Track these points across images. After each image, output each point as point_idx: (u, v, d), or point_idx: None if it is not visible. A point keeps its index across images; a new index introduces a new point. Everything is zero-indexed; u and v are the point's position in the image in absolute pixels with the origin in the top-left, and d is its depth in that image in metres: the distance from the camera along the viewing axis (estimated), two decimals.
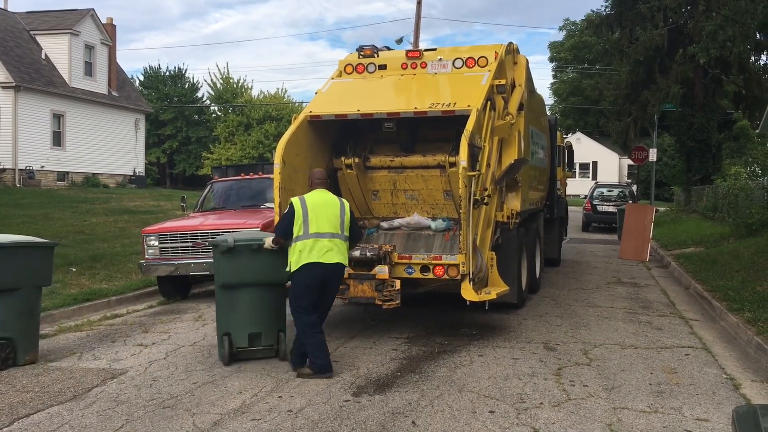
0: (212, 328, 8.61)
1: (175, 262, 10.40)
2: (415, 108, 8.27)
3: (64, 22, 31.05)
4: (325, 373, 6.32)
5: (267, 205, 11.17)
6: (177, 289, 11.04)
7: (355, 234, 6.83)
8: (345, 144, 9.23)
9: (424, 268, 7.53)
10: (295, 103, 49.74)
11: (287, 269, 6.50)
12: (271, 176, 8.25)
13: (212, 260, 10.11)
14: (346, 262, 6.64)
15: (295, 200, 6.53)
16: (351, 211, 6.77)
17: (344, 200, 6.85)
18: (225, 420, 5.27)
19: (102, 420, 5.31)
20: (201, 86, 53.08)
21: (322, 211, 6.47)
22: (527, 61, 10.16)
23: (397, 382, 6.21)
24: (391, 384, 6.14)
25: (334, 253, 6.44)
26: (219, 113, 51.42)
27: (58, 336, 8.34)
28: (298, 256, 6.36)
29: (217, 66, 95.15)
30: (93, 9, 32.03)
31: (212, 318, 9.23)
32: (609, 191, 26.83)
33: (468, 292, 7.29)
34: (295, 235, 6.41)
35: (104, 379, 6.40)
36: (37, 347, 7.14)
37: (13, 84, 26.96)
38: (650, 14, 25.82)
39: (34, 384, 6.28)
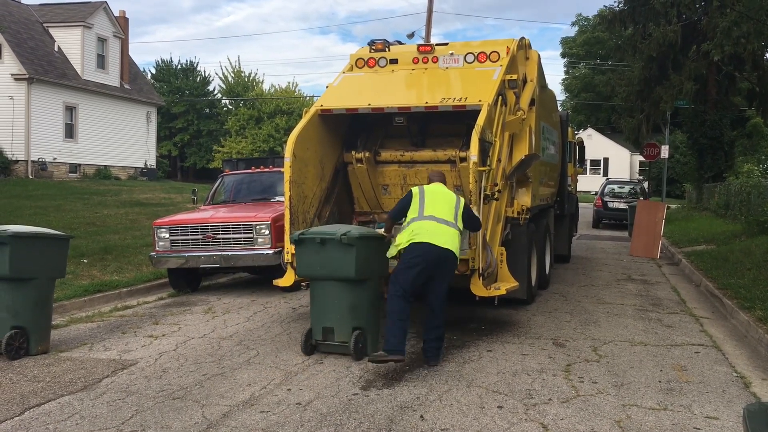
0: (222, 320, 8.66)
1: (186, 255, 10.44)
2: (426, 102, 8.26)
3: (77, 14, 31.18)
4: (396, 355, 6.19)
5: (277, 198, 11.19)
6: (187, 281, 11.08)
7: (473, 224, 6.93)
8: (355, 138, 9.23)
9: None
10: (305, 97, 49.74)
11: (393, 253, 6.59)
12: (282, 170, 8.28)
13: (222, 253, 10.24)
14: (458, 253, 6.63)
15: (415, 188, 6.71)
16: (467, 204, 6.89)
17: (460, 195, 6.95)
18: (234, 412, 5.29)
19: (112, 410, 5.35)
20: (212, 79, 53.34)
21: (439, 198, 6.62)
22: (539, 56, 10.12)
23: (406, 376, 6.21)
24: (400, 378, 6.15)
25: (447, 238, 6.46)
26: (230, 107, 51.49)
27: (69, 327, 8.40)
28: (409, 236, 6.42)
29: (228, 59, 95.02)
30: (106, 1, 32.17)
31: (222, 311, 9.29)
32: (620, 188, 26.71)
33: (477, 288, 7.29)
34: (409, 218, 6.52)
35: (114, 370, 6.44)
36: (49, 337, 7.20)
37: (26, 76, 27.13)
38: (663, 10, 25.62)
39: (45, 374, 6.33)
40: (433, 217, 6.48)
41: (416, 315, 8.73)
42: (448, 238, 6.48)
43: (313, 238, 6.72)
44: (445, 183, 7.06)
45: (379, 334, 6.85)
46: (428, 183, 7.03)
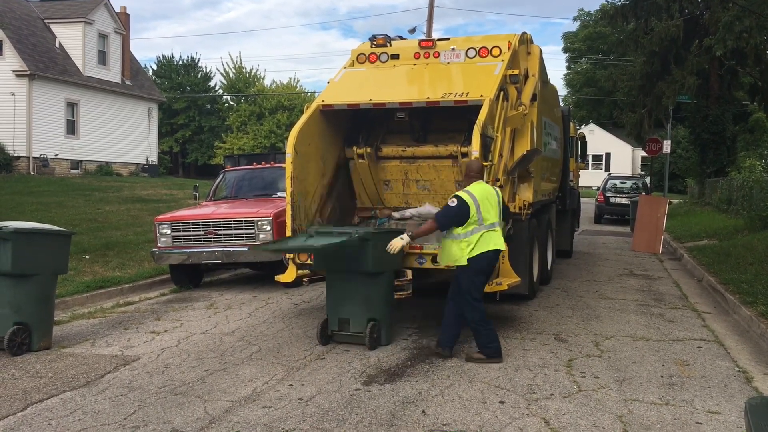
0: (224, 316, 8.66)
1: (188, 251, 10.45)
2: (428, 98, 8.24)
3: (78, 10, 31.18)
4: (498, 357, 6.53)
5: (279, 194, 11.19)
6: (189, 277, 11.09)
7: (507, 214, 7.26)
8: (357, 133, 9.22)
9: (436, 258, 7.52)
10: (307, 92, 49.77)
11: (459, 261, 6.61)
12: (283, 166, 8.26)
13: (223, 249, 10.24)
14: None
15: (464, 195, 6.63)
16: (501, 196, 7.06)
17: (496, 188, 7.07)
18: (236, 407, 5.30)
19: (114, 406, 5.36)
20: (214, 75, 53.17)
21: (490, 201, 6.71)
22: (541, 51, 10.09)
23: (408, 371, 6.22)
24: (402, 373, 6.15)
25: (500, 240, 6.77)
26: (231, 103, 51.48)
27: (71, 322, 8.41)
28: (477, 246, 6.56)
29: (229, 55, 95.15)
30: None
31: (224, 306, 9.30)
32: (622, 183, 26.68)
33: None
34: (468, 228, 6.57)
35: (117, 366, 6.45)
36: (51, 333, 7.21)
37: (28, 72, 27.13)
38: (666, 5, 25.55)
39: (47, 369, 6.34)
40: (492, 224, 6.68)
41: (418, 308, 8.74)
42: (501, 240, 6.79)
43: (330, 233, 7.01)
44: (482, 173, 7.04)
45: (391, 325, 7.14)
46: (466, 178, 6.92)
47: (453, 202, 6.60)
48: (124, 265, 11.83)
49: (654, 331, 7.81)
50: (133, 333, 7.82)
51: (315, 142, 8.43)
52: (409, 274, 7.52)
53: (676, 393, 5.66)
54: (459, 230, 6.59)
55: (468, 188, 6.73)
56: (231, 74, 50.38)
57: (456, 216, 6.57)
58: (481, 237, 6.57)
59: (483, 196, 6.67)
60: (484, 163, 7.25)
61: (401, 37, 10.25)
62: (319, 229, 7.21)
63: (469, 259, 6.55)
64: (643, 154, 36.28)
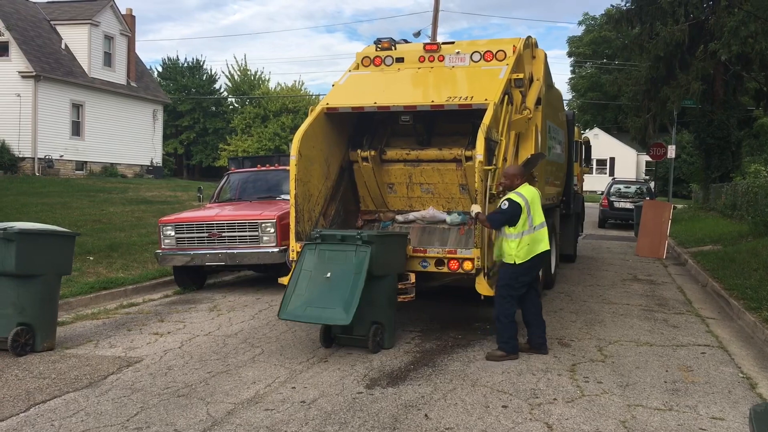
0: (227, 318, 8.66)
1: (191, 253, 10.45)
2: (432, 101, 8.24)
3: (84, 12, 31.26)
4: (516, 354, 6.76)
5: (283, 196, 11.20)
6: (192, 279, 11.10)
7: None
8: (361, 137, 9.22)
9: (439, 262, 7.51)
10: (311, 95, 49.87)
11: (506, 258, 6.77)
12: (287, 168, 8.28)
13: (227, 251, 10.24)
14: None
15: (516, 197, 6.75)
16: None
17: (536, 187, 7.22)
18: (238, 409, 5.30)
19: (117, 407, 5.36)
20: (219, 78, 53.53)
21: (537, 202, 6.89)
22: (546, 55, 10.10)
23: (411, 375, 6.21)
24: (405, 377, 6.14)
25: (548, 238, 7.02)
26: (236, 105, 51.62)
27: (75, 323, 8.42)
28: (528, 249, 6.75)
29: (234, 58, 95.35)
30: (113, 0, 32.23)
31: (227, 308, 9.30)
32: (626, 188, 26.64)
33: (482, 287, 7.27)
34: (521, 230, 6.72)
35: (120, 367, 6.45)
36: (54, 334, 7.22)
37: (34, 73, 27.22)
38: (671, 9, 25.51)
39: (50, 370, 6.35)
40: (541, 224, 6.87)
41: (422, 312, 8.73)
42: (547, 239, 7.01)
43: (334, 235, 7.04)
44: (524, 175, 7.15)
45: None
46: (512, 178, 6.98)
47: (505, 205, 6.76)
48: (127, 267, 11.85)
49: (658, 337, 7.79)
50: (136, 334, 7.82)
51: (319, 145, 8.43)
52: (412, 277, 7.52)
53: (680, 399, 5.64)
54: (511, 230, 6.77)
55: (518, 190, 6.86)
56: (236, 76, 50.56)
57: (509, 218, 6.75)
58: (532, 239, 6.78)
59: (532, 197, 6.86)
60: (487, 167, 7.25)
61: (406, 41, 10.25)
62: (323, 231, 7.21)
63: (521, 263, 6.74)
64: (648, 158, 36.19)
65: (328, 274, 6.79)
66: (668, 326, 8.37)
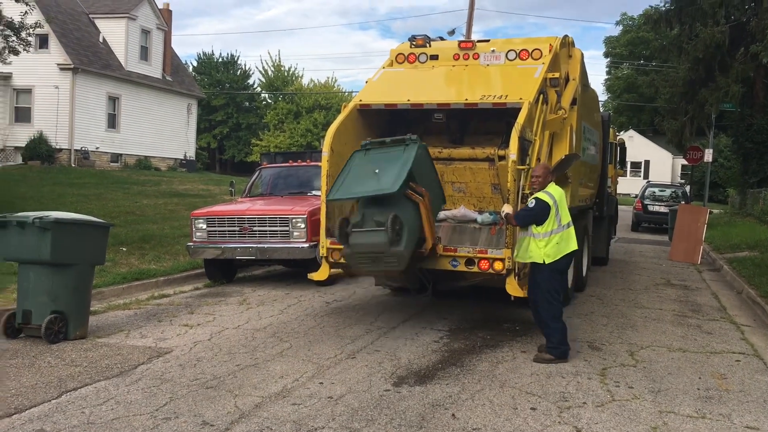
0: (256, 312, 8.71)
1: (222, 246, 10.53)
2: (466, 99, 8.18)
3: (122, 6, 31.69)
4: (566, 359, 6.66)
5: (314, 192, 11.22)
6: (223, 272, 11.18)
7: None
8: (394, 134, 9.17)
9: (469, 262, 7.45)
10: (344, 92, 49.91)
11: (534, 258, 6.70)
12: (319, 164, 8.28)
13: (257, 245, 10.30)
14: None
15: (545, 196, 6.70)
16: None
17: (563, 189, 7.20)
18: (266, 403, 5.31)
19: (147, 397, 5.41)
20: (252, 73, 53.63)
21: (564, 204, 6.85)
22: (582, 54, 9.97)
23: (438, 374, 6.17)
24: (432, 376, 6.11)
25: (575, 238, 6.95)
26: (269, 100, 51.89)
27: (107, 313, 8.54)
28: (557, 247, 6.68)
29: (268, 53, 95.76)
30: None
31: (257, 302, 9.35)
32: (661, 191, 26.24)
33: (513, 287, 7.20)
34: (549, 229, 6.68)
35: (150, 357, 6.52)
36: (87, 323, 7.32)
37: (72, 66, 27.65)
38: (711, 10, 25.02)
39: (82, 358, 6.44)
40: (568, 224, 6.81)
41: (451, 311, 8.68)
42: (575, 239, 6.94)
43: (383, 141, 7.34)
44: (553, 174, 7.14)
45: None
46: (539, 178, 6.88)
47: (532, 203, 6.69)
48: (159, 258, 11.98)
49: (691, 343, 7.65)
50: (166, 325, 7.90)
51: (351, 142, 8.42)
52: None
53: (713, 406, 5.52)
54: (538, 229, 6.68)
55: (547, 189, 6.79)
56: (269, 72, 50.79)
57: (536, 216, 6.68)
58: (561, 237, 6.70)
59: (560, 197, 6.80)
60: (521, 167, 7.17)
61: (441, 38, 10.19)
62: (372, 140, 7.44)
63: (551, 262, 6.66)
64: (684, 162, 35.66)
65: (377, 170, 6.94)
66: (702, 332, 8.21)
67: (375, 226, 6.69)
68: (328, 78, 62.56)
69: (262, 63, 55.63)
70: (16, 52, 15.98)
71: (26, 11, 15.67)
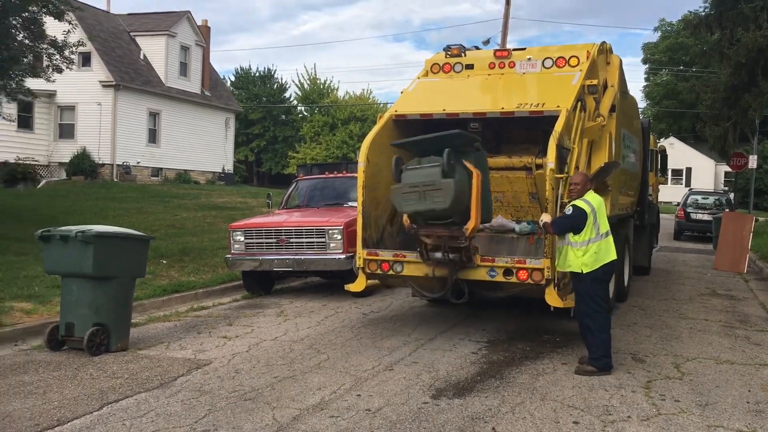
0: (293, 324, 8.72)
1: (260, 258, 10.59)
2: (502, 108, 8.10)
3: (162, 24, 32.33)
4: (609, 371, 6.52)
5: (350, 203, 11.23)
6: (260, 284, 11.23)
7: None
8: None
9: (507, 272, 7.34)
10: (379, 104, 50.11)
11: (572, 267, 6.63)
12: (355, 175, 8.29)
13: (294, 257, 10.32)
14: None
15: (582, 204, 6.63)
16: None
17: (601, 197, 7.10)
18: (304, 415, 5.29)
19: (186, 409, 5.43)
20: (289, 87, 54.24)
21: (602, 212, 6.76)
22: (621, 61, 9.81)
23: (477, 386, 6.08)
24: (471, 388, 6.02)
25: (614, 247, 6.80)
26: (305, 113, 52.35)
27: (147, 325, 8.63)
28: (596, 257, 6.56)
29: (304, 67, 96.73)
30: (189, 11, 33.27)
31: (294, 314, 9.36)
32: (704, 198, 25.69)
33: (552, 298, 7.08)
34: (586, 237, 6.59)
35: (189, 369, 6.56)
36: (128, 335, 7.41)
37: (114, 83, 28.26)
38: (753, 14, 24.51)
39: (123, 370, 6.50)
40: (606, 233, 6.67)
41: (489, 322, 8.58)
42: (614, 249, 6.78)
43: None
44: (592, 182, 7.03)
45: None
46: (578, 186, 6.74)
47: (569, 211, 6.59)
48: (198, 271, 12.10)
49: (739, 354, 7.42)
50: (205, 337, 7.95)
51: (387, 152, 8.39)
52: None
53: (764, 421, 5.33)
54: (575, 238, 6.57)
55: (585, 197, 6.67)
56: (305, 85, 51.26)
57: (573, 222, 6.57)
58: (599, 247, 6.56)
59: (599, 205, 6.67)
60: (559, 175, 7.07)
61: (477, 48, 10.14)
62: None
63: (589, 271, 6.53)
64: (727, 169, 34.84)
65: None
66: (750, 344, 7.96)
67: (431, 164, 6.96)
68: (363, 90, 62.81)
69: (298, 76, 56.52)
70: (59, 70, 16.34)
71: (69, 30, 16.03)
